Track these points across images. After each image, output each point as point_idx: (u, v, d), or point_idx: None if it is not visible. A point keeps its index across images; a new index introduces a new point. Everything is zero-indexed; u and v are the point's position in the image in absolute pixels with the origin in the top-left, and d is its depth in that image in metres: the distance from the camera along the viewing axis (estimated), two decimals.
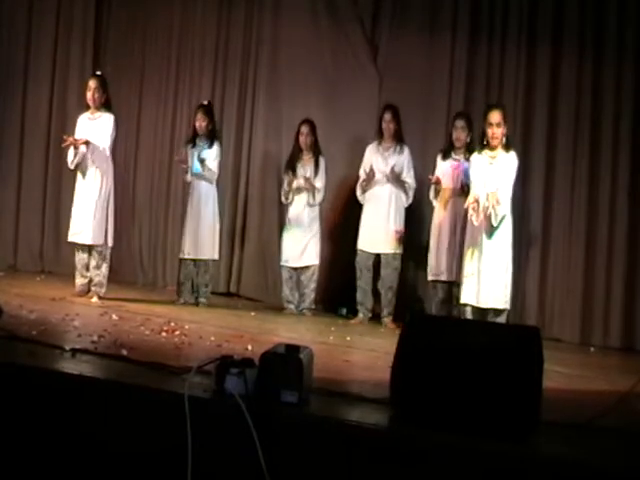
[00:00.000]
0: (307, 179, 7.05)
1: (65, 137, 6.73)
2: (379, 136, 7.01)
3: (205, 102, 7.26)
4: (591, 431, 3.46)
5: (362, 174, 6.98)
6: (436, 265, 6.69)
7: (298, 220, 7.14)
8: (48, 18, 8.35)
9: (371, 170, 6.88)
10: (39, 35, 8.35)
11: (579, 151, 7.02)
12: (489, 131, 6.09)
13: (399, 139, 6.98)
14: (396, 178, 6.87)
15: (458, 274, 6.42)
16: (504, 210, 6.04)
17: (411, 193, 6.95)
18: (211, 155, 7.04)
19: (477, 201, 6.00)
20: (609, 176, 6.95)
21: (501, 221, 6.04)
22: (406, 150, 6.97)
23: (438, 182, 6.67)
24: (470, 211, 6.04)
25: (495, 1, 7.27)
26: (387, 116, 6.95)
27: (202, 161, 6.96)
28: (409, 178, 6.94)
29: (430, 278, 6.73)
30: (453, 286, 6.59)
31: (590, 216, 6.99)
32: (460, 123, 6.69)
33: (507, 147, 6.15)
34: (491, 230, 6.03)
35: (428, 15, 7.46)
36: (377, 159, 6.97)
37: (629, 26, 6.89)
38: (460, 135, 6.67)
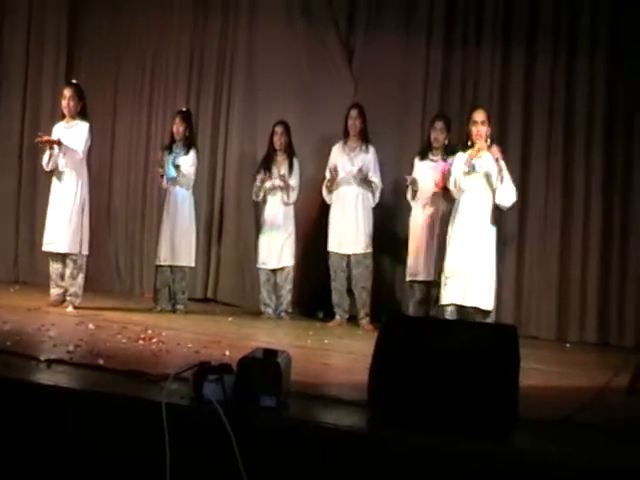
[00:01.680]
0: (282, 176, 7.04)
1: (39, 134, 6.67)
2: (345, 135, 7.01)
3: (184, 108, 7.25)
4: (569, 427, 3.47)
5: (327, 174, 6.99)
6: (414, 265, 6.71)
7: (273, 221, 7.15)
8: (20, 27, 8.31)
9: (335, 169, 6.89)
10: (11, 44, 8.30)
11: (553, 150, 7.09)
12: (473, 129, 6.12)
13: (364, 138, 6.99)
14: (363, 179, 6.88)
15: (437, 274, 6.44)
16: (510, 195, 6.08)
17: (377, 193, 6.96)
18: (187, 161, 7.02)
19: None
20: (583, 174, 7.02)
21: (484, 208, 6.07)
22: (371, 149, 6.99)
23: (414, 183, 6.69)
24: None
25: (470, 2, 7.32)
26: (353, 113, 6.96)
27: (177, 167, 6.93)
28: (375, 178, 6.96)
29: (408, 278, 6.75)
30: (431, 286, 6.61)
31: (565, 214, 7.06)
32: (439, 124, 6.73)
33: (490, 145, 6.18)
34: (479, 209, 6.05)
35: (403, 17, 7.49)
36: (343, 159, 7.00)
37: (602, 25, 6.97)
38: (439, 136, 6.70)
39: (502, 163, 6.03)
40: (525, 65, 7.14)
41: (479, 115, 6.13)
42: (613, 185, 6.96)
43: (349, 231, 6.92)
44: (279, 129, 7.12)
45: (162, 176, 7.07)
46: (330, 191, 6.99)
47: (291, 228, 7.19)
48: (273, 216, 7.16)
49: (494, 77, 7.25)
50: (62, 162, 6.65)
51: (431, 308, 6.63)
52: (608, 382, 3.75)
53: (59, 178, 6.70)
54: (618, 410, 3.93)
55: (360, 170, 6.88)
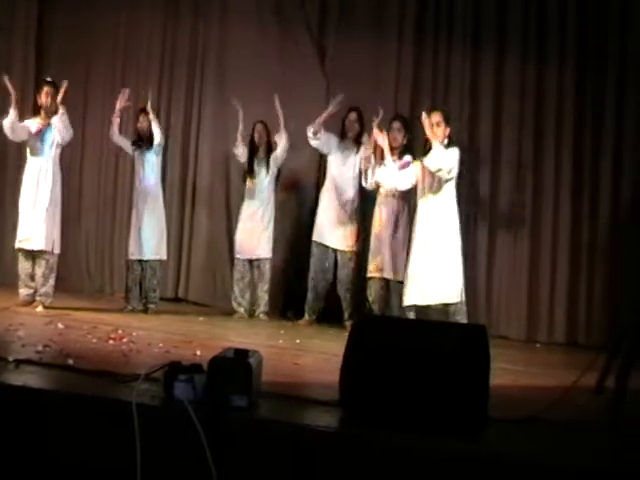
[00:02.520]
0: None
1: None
2: (341, 135, 7.04)
3: (143, 106, 7.20)
4: (538, 426, 3.51)
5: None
6: (373, 262, 6.72)
7: (252, 213, 7.17)
8: None
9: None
10: None
11: (524, 151, 7.14)
12: (428, 131, 6.16)
13: (359, 143, 7.00)
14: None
15: (401, 272, 6.47)
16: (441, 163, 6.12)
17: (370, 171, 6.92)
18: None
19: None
20: (552, 176, 7.08)
21: (446, 205, 6.15)
22: (362, 147, 6.98)
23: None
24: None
25: (440, 4, 7.36)
26: (352, 116, 7.00)
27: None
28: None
29: (368, 275, 6.76)
30: (388, 285, 6.66)
31: (534, 216, 7.13)
32: (396, 125, 6.76)
33: (448, 145, 6.22)
34: (440, 206, 6.13)
35: (374, 18, 7.51)
36: (337, 155, 7.02)
37: (570, 27, 7.03)
38: (396, 136, 6.73)
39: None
40: (495, 68, 7.20)
41: (434, 117, 6.20)
42: (582, 187, 7.03)
43: (336, 226, 6.94)
44: (259, 126, 7.20)
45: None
46: (316, 137, 6.94)
47: (268, 219, 7.19)
48: (252, 209, 7.17)
49: (464, 79, 7.30)
50: (45, 151, 6.66)
51: (388, 308, 6.65)
52: (576, 381, 3.79)
53: (30, 172, 6.63)
54: (585, 409, 3.97)
55: (360, 170, 6.90)
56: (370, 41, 7.52)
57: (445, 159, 6.10)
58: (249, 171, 7.20)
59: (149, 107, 7.03)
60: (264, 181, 7.17)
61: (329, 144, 7.02)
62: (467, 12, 7.27)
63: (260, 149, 7.22)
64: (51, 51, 8.35)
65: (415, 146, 6.69)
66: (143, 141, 7.07)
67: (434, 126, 6.15)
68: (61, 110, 6.70)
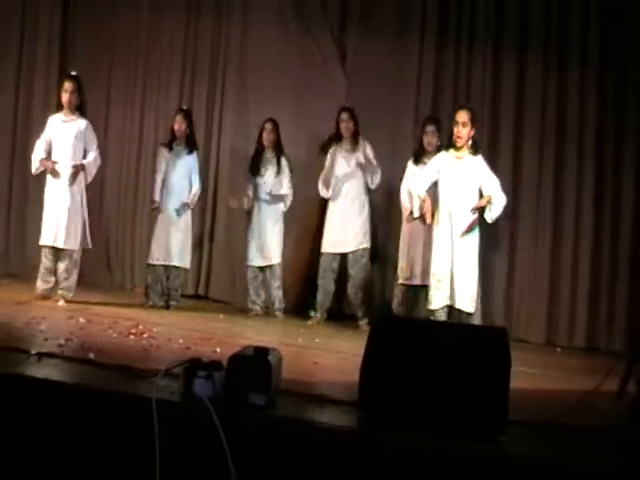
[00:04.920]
0: (270, 193, 7.08)
1: (73, 168, 6.65)
2: (338, 138, 7.02)
3: (184, 107, 7.27)
4: (557, 429, 3.49)
5: (327, 166, 7.00)
6: (406, 269, 6.73)
7: (262, 220, 7.14)
8: (13, 22, 8.25)
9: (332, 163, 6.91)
10: (4, 39, 8.24)
11: (545, 155, 7.11)
12: (454, 129, 6.14)
13: (357, 139, 6.99)
14: (366, 163, 6.89)
15: (425, 278, 6.46)
16: (499, 209, 6.14)
17: (378, 174, 6.91)
18: (195, 169, 7.11)
19: (424, 200, 6.16)
20: (574, 180, 7.04)
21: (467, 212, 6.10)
22: (364, 143, 6.97)
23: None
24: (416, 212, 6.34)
25: (462, 6, 7.33)
26: (344, 116, 6.97)
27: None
28: (374, 161, 6.93)
29: (400, 281, 6.76)
30: (415, 289, 6.64)
31: (556, 218, 7.08)
32: (431, 128, 6.73)
33: (474, 149, 6.19)
34: (462, 235, 6.08)
35: (396, 19, 7.50)
36: (339, 161, 7.00)
37: (592, 32, 6.99)
38: (431, 140, 6.71)
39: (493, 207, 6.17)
40: (517, 70, 7.16)
41: (460, 116, 6.14)
42: (604, 192, 6.98)
43: (346, 230, 6.93)
44: (268, 126, 7.12)
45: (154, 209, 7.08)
46: (326, 185, 6.99)
47: (279, 226, 7.18)
48: (263, 216, 7.15)
49: (486, 81, 7.27)
50: (82, 177, 6.70)
51: (413, 311, 6.64)
52: (597, 386, 3.77)
53: (54, 175, 6.69)
54: (606, 414, 3.95)
55: (359, 163, 6.88)
56: (391, 41, 7.50)
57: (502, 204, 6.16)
58: (252, 171, 7.16)
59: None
60: (271, 181, 7.13)
61: (333, 161, 7.01)
62: (489, 14, 7.24)
63: (267, 149, 7.18)
64: (75, 50, 8.38)
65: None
66: (177, 142, 7.07)
67: (460, 125, 6.12)
68: (93, 154, 6.75)
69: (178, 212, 6.99)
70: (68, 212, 6.62)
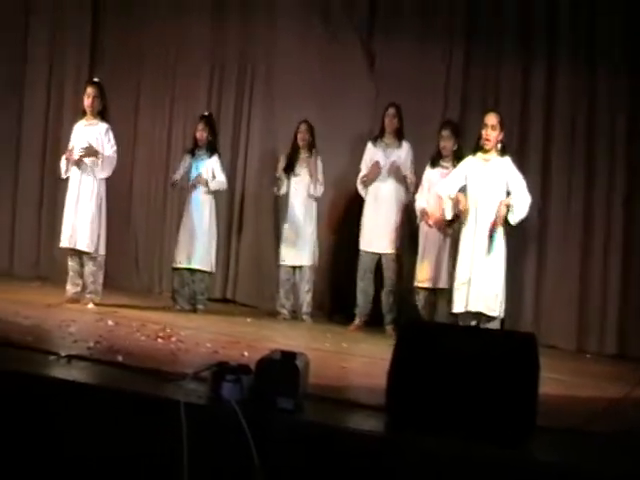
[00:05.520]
0: (311, 169, 7.09)
1: (82, 149, 6.69)
2: (380, 132, 7.03)
3: (206, 113, 7.30)
4: (585, 436, 3.46)
5: (363, 168, 7.00)
6: (422, 272, 6.72)
7: (296, 220, 7.16)
8: (44, 26, 8.36)
9: (376, 162, 6.89)
10: (35, 43, 8.35)
11: (575, 160, 7.05)
12: (483, 132, 6.12)
13: (400, 136, 7.00)
14: (396, 171, 6.89)
15: (448, 280, 6.44)
16: (522, 212, 6.08)
17: (412, 188, 6.94)
18: (218, 168, 7.12)
19: (459, 200, 6.11)
20: (605, 185, 6.98)
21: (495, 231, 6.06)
22: (406, 146, 7.00)
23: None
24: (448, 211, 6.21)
25: (491, 9, 7.29)
26: (391, 111, 6.98)
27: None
28: (410, 173, 6.95)
29: (416, 284, 6.75)
30: (436, 293, 6.62)
31: (586, 224, 7.02)
32: (445, 132, 6.72)
33: (502, 152, 6.17)
34: (490, 239, 6.05)
35: (423, 23, 7.49)
36: (378, 155, 7.00)
37: (621, 35, 6.93)
38: (446, 144, 6.69)
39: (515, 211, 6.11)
40: (547, 70, 7.11)
41: (490, 118, 6.12)
42: (635, 195, 6.91)
43: (381, 229, 6.93)
44: (303, 127, 7.17)
45: (173, 184, 7.16)
46: (366, 185, 6.99)
47: (312, 228, 7.20)
48: (296, 215, 7.18)
49: (515, 86, 7.23)
50: (98, 169, 6.73)
51: (436, 315, 6.62)
52: (628, 393, 3.73)
53: (75, 175, 6.76)
54: (635, 421, 3.90)
55: (393, 163, 6.89)
56: (419, 45, 7.49)
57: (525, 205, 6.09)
58: (288, 172, 7.19)
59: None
60: (307, 181, 7.15)
61: (371, 154, 7.01)
62: (518, 16, 7.20)
63: (302, 149, 7.20)
64: (104, 57, 8.46)
65: (465, 153, 6.61)
66: (200, 148, 7.12)
67: (489, 128, 6.09)
68: (108, 153, 6.78)
69: (195, 186, 7.01)
70: (85, 215, 6.68)
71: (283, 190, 7.20)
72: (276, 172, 7.27)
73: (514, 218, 6.11)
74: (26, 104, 8.36)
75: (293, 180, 7.18)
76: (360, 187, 7.04)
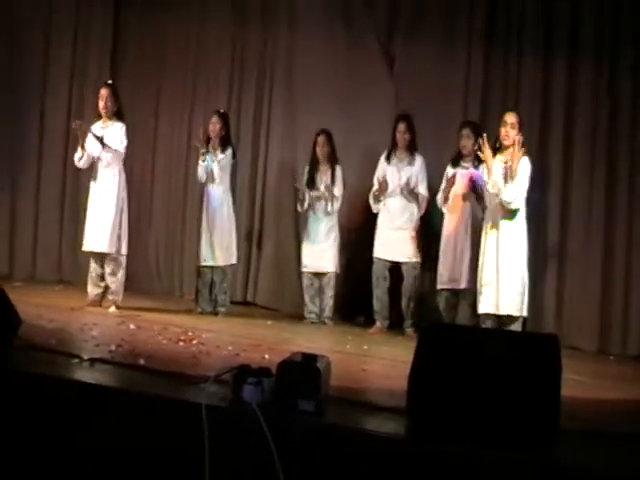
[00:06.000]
0: (327, 187, 7.09)
1: (77, 123, 6.81)
2: (392, 146, 7.02)
3: (221, 110, 7.30)
4: (609, 439, 3.44)
5: (375, 183, 7.00)
6: (444, 273, 6.69)
7: (316, 230, 7.18)
8: (66, 29, 8.39)
9: (384, 181, 6.90)
10: (57, 46, 8.39)
11: (597, 159, 6.98)
12: (502, 130, 6.09)
13: (412, 149, 6.99)
14: (410, 191, 6.90)
15: (469, 281, 6.42)
16: (515, 195, 5.98)
17: (424, 204, 6.95)
18: (224, 158, 7.04)
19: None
20: (626, 183, 6.90)
21: (514, 215, 6.00)
22: (419, 160, 6.98)
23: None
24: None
25: (511, 10, 7.25)
26: (401, 127, 6.95)
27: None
28: (422, 189, 6.94)
29: (439, 286, 6.73)
30: (460, 295, 6.60)
31: (608, 223, 6.95)
32: (465, 131, 6.69)
33: (520, 152, 6.13)
34: (508, 216, 6.00)
35: (443, 25, 7.43)
36: (390, 170, 6.99)
37: None
38: (466, 143, 6.67)
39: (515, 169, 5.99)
40: (567, 75, 7.05)
41: (509, 117, 6.10)
42: None
43: (395, 239, 6.91)
44: (321, 139, 7.14)
45: (203, 160, 7.02)
46: (377, 200, 7.00)
47: (334, 235, 7.21)
48: (317, 225, 7.19)
49: (535, 86, 7.17)
50: (104, 162, 6.77)
51: (457, 317, 6.59)
52: None
53: (95, 179, 6.83)
54: None
55: (407, 183, 6.88)
56: (439, 48, 7.44)
57: (520, 194, 6.01)
58: (308, 183, 7.19)
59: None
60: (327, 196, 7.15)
61: (384, 169, 7.00)
62: (539, 17, 7.15)
63: (322, 161, 7.19)
64: (125, 57, 8.52)
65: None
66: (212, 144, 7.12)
67: (508, 126, 6.06)
68: (119, 148, 6.84)
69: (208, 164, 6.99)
70: (108, 217, 6.73)
71: (306, 206, 7.21)
72: (297, 186, 7.26)
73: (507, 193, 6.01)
74: (47, 109, 8.40)
75: (314, 193, 7.18)
76: (372, 201, 7.04)
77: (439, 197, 6.76)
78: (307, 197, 7.17)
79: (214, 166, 6.99)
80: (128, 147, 6.97)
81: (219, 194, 7.10)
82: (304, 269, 7.23)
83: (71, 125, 7.42)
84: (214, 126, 7.10)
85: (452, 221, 6.71)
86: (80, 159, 6.88)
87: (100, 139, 6.75)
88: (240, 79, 8.20)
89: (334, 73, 7.75)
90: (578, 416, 3.80)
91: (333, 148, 7.19)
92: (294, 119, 7.93)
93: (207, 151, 7.02)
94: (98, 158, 6.83)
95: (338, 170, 7.18)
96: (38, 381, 3.71)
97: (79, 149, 6.86)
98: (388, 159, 7.02)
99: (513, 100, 7.19)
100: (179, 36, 8.35)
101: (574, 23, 7.05)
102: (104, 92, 6.90)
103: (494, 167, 6.06)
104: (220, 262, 7.07)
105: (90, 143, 6.81)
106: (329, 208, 7.15)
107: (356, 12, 7.74)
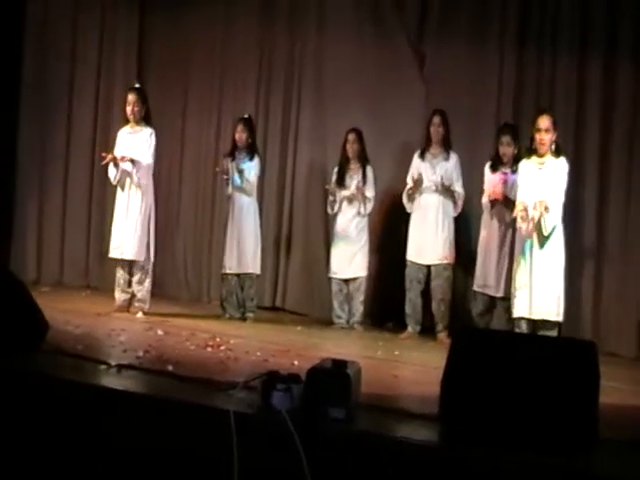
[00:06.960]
0: (359, 188, 7.01)
1: (103, 155, 6.81)
2: (427, 142, 6.94)
3: (245, 115, 7.27)
4: None
5: (409, 181, 6.92)
6: (481, 277, 6.61)
7: (346, 231, 7.10)
8: (92, 33, 8.43)
9: (419, 176, 6.81)
10: (84, 50, 8.42)
11: (635, 158, 6.83)
12: (537, 136, 5.99)
13: (447, 145, 6.90)
14: (446, 189, 6.81)
15: (506, 288, 6.33)
16: (555, 219, 5.92)
17: (460, 202, 6.85)
18: (251, 168, 7.04)
19: (525, 209, 5.91)
20: None
21: (552, 231, 5.92)
22: (454, 157, 6.88)
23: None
24: (519, 220, 5.95)
25: (545, 8, 7.13)
26: (436, 120, 6.87)
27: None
28: (458, 187, 6.84)
29: (474, 288, 6.64)
30: (496, 299, 6.50)
31: None
32: (506, 139, 6.59)
33: (557, 153, 6.03)
34: (542, 240, 5.91)
35: (475, 24, 7.33)
36: (425, 167, 6.90)
37: None
38: (506, 151, 6.58)
39: (547, 217, 5.87)
40: (604, 69, 6.90)
41: (543, 122, 5.99)
42: None
43: (429, 241, 6.81)
44: (351, 137, 7.08)
45: (227, 181, 7.06)
46: (411, 199, 6.91)
47: (365, 238, 7.13)
48: (346, 226, 7.11)
49: (570, 85, 7.05)
50: (135, 178, 6.75)
51: (493, 321, 6.51)
52: None
53: (123, 186, 6.81)
54: None
55: (442, 181, 6.78)
56: (470, 46, 7.34)
57: (557, 218, 5.92)
58: (338, 183, 7.12)
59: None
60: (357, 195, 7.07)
61: (418, 166, 6.92)
62: (574, 16, 7.02)
63: (352, 160, 7.12)
64: (151, 60, 8.52)
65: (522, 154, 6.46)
66: (239, 151, 7.09)
67: (542, 132, 5.97)
68: (148, 160, 6.81)
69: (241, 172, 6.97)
70: (135, 224, 6.72)
71: (336, 208, 7.15)
72: (328, 189, 7.20)
73: (546, 226, 5.93)
74: (74, 112, 8.42)
75: (344, 192, 7.11)
76: (405, 200, 6.95)
77: (484, 200, 6.65)
78: (338, 198, 7.11)
79: (241, 180, 6.98)
80: (156, 150, 6.95)
81: (246, 203, 7.07)
82: (333, 275, 7.16)
83: (102, 140, 7.38)
84: (240, 135, 7.07)
85: (489, 224, 6.60)
86: (115, 178, 6.82)
87: (130, 160, 6.71)
88: (268, 81, 8.16)
89: (364, 74, 7.68)
90: (615, 424, 3.69)
91: (363, 147, 7.11)
92: (323, 122, 7.87)
93: (229, 177, 7.02)
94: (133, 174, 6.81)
95: (369, 170, 7.10)
96: (65, 387, 3.68)
97: (112, 167, 6.78)
98: (422, 156, 6.94)
99: (547, 99, 7.07)
100: (205, 38, 8.33)
101: (610, 25, 6.89)
102: (131, 97, 6.88)
103: (528, 171, 5.97)
104: (244, 270, 7.02)
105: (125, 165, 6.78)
106: (361, 210, 7.07)
107: (386, 12, 7.66)
